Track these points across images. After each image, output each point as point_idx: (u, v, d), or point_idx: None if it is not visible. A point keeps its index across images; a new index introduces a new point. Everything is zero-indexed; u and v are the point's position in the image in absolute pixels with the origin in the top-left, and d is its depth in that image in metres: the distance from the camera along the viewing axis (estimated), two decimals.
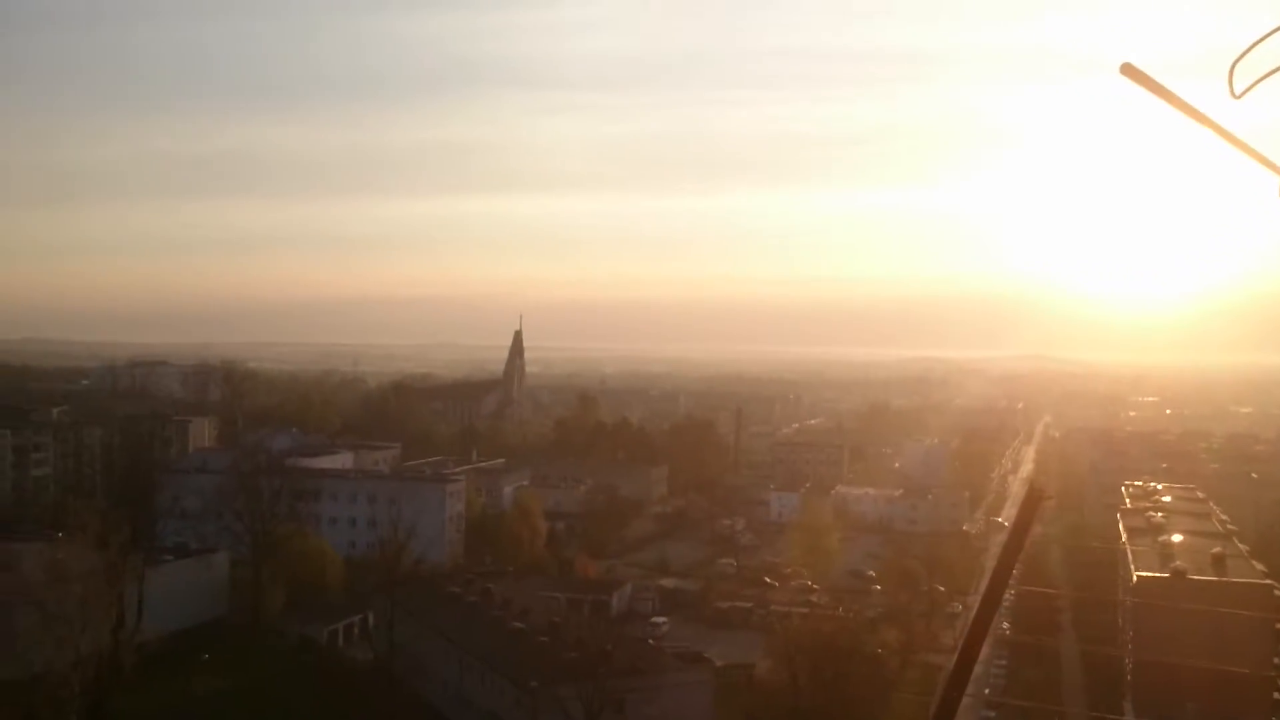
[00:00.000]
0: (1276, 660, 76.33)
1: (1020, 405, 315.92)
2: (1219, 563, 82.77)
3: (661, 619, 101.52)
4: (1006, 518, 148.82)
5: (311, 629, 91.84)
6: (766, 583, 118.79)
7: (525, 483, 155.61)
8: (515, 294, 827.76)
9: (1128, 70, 2.70)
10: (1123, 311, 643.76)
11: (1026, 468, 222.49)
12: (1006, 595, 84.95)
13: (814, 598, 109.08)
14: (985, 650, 77.24)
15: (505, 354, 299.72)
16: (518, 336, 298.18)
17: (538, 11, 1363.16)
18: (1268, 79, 2.83)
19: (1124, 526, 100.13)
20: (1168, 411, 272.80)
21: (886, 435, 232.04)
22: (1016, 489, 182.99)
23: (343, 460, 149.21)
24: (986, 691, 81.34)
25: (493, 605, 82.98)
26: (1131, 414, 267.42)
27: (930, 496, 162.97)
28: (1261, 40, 2.82)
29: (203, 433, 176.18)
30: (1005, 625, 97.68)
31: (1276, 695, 74.46)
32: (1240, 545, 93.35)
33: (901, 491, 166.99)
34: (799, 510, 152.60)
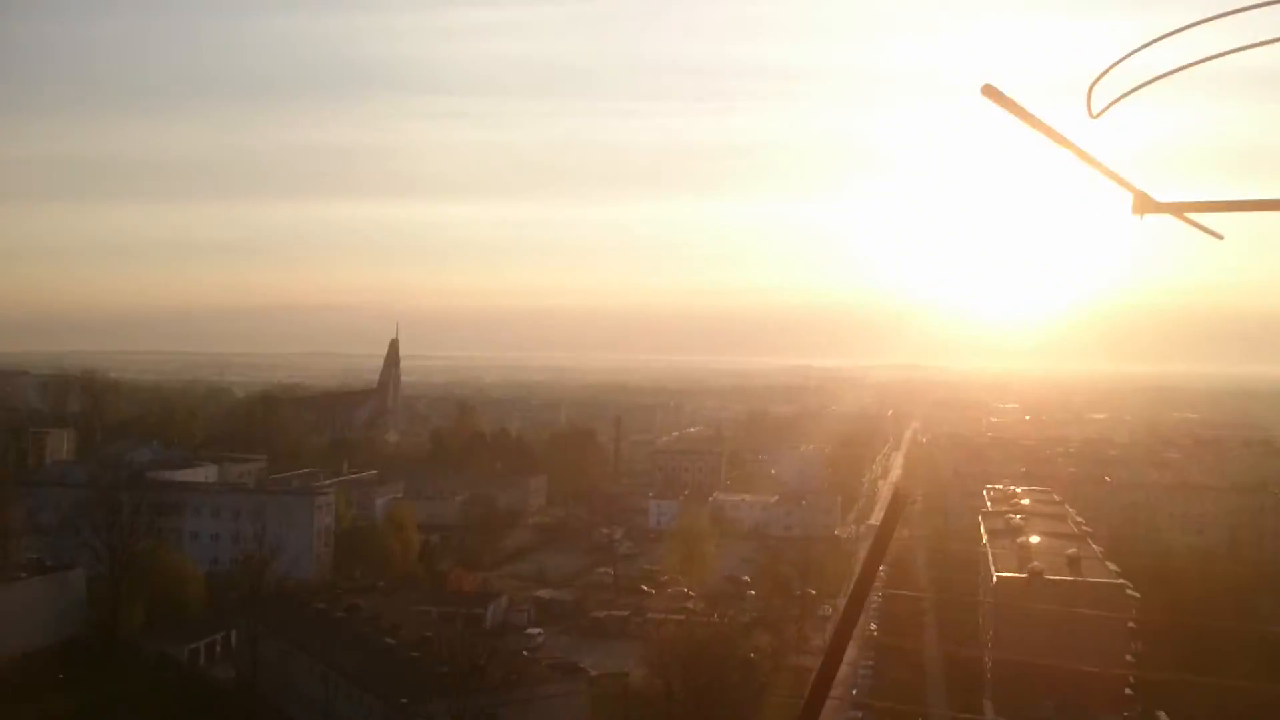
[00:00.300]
0: (1128, 658, 79.64)
1: (891, 412, 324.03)
2: (1074, 563, 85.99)
3: (537, 630, 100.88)
4: (877, 521, 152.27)
5: (171, 647, 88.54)
6: (644, 591, 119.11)
7: (399, 495, 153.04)
8: (396, 302, 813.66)
9: (988, 91, 2.72)
10: (989, 322, 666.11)
11: (896, 472, 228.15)
12: (874, 598, 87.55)
13: (690, 604, 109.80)
14: (853, 652, 79.54)
15: (382, 363, 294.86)
16: (394, 345, 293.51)
17: (424, 14, 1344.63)
18: (1123, 100, 2.93)
19: (985, 528, 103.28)
20: (1027, 418, 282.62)
21: (764, 442, 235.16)
22: (886, 493, 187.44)
23: (206, 473, 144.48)
24: (854, 692, 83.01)
25: (362, 621, 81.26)
26: (994, 420, 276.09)
27: (805, 502, 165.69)
28: (1118, 63, 2.85)
29: (61, 445, 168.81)
30: (873, 627, 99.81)
31: (1128, 691, 77.66)
32: (1094, 546, 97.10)
33: (777, 498, 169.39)
34: (677, 518, 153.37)
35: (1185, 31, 2.90)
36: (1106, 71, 3.00)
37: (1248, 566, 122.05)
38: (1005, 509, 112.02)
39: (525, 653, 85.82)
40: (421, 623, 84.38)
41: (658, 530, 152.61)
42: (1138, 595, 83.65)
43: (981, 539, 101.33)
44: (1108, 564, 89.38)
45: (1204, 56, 2.99)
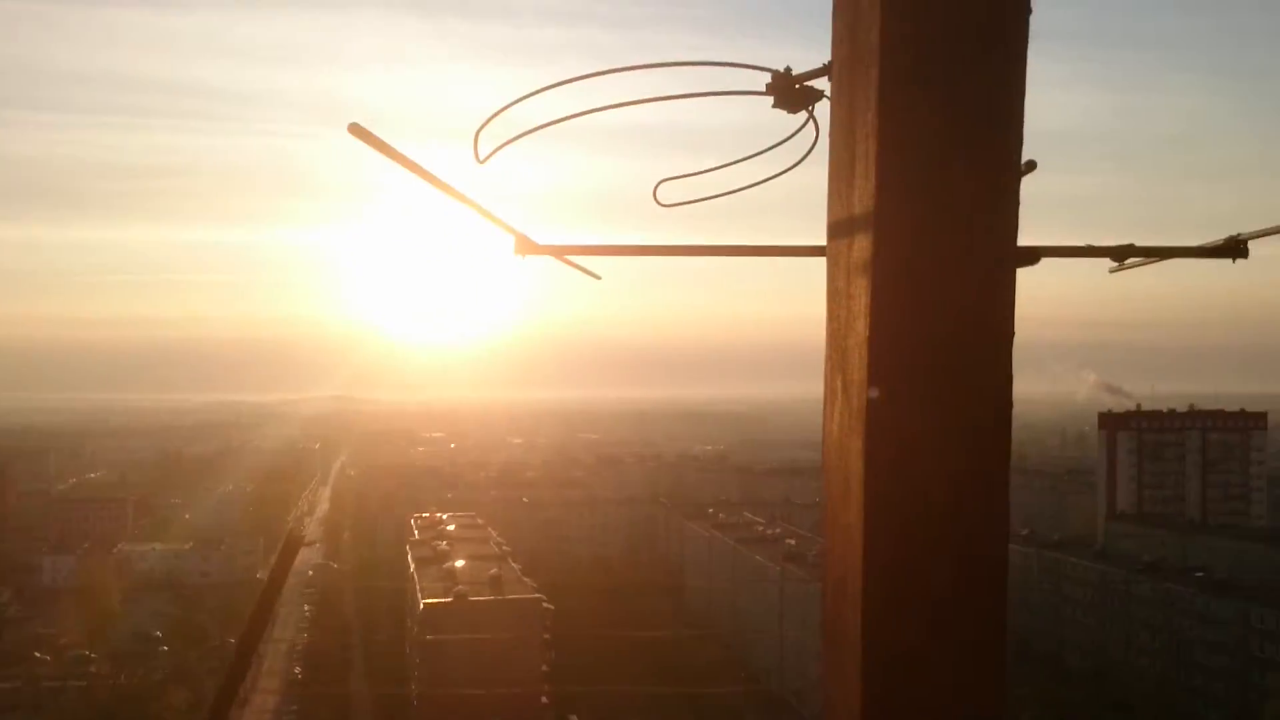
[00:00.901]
0: (544, 668, 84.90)
1: (319, 446, 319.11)
2: (495, 583, 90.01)
3: None
4: (300, 559, 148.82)
5: None
6: (37, 658, 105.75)
7: None
8: None
9: (355, 130, 2.43)
10: (415, 353, 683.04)
11: (323, 508, 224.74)
12: (299, 639, 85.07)
13: (93, 668, 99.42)
14: (275, 700, 76.29)
15: None
16: None
17: None
18: (510, 147, 2.88)
19: (412, 557, 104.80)
20: (452, 445, 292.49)
21: (179, 485, 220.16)
22: (313, 529, 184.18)
23: None
24: None
25: None
26: (421, 449, 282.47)
27: (223, 546, 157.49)
28: (501, 111, 2.83)
29: None
30: (297, 670, 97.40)
31: (544, 700, 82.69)
32: (513, 565, 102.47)
33: (192, 544, 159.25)
34: (77, 573, 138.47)
35: (567, 85, 2.96)
36: (491, 118, 2.98)
37: (642, 570, 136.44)
38: (431, 536, 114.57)
39: None
40: None
41: (53, 589, 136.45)
42: (552, 607, 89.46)
43: (409, 568, 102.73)
44: (525, 580, 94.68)
45: (582, 110, 3.07)
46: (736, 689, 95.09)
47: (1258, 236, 2.93)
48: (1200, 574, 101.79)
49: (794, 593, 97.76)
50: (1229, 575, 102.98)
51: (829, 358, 2.43)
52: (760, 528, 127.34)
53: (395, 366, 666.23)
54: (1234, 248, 2.90)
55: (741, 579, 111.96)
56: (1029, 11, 2.18)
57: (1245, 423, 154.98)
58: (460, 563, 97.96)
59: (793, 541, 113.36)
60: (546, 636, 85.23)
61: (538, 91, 2.94)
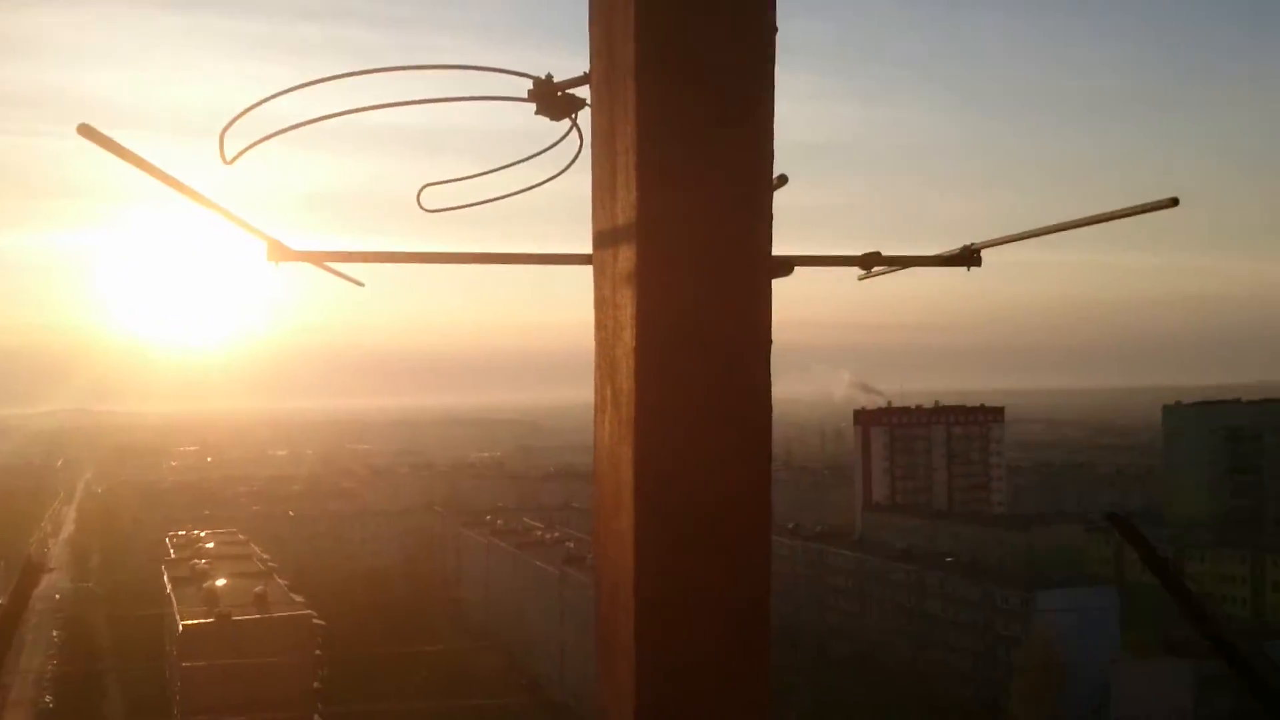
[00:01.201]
0: (316, 685, 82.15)
1: (60, 462, 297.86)
2: (261, 601, 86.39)
3: None
4: (45, 583, 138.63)
5: None
6: None
7: None
8: None
9: (85, 131, 2.42)
10: (163, 362, 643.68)
11: (69, 529, 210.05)
12: (48, 668, 79.37)
13: None
14: None
15: None
16: None
17: None
18: (256, 147, 2.80)
19: (169, 578, 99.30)
20: (209, 459, 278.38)
21: None
22: (58, 551, 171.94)
23: None
24: None
25: None
26: (174, 464, 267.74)
27: None
28: (249, 110, 2.71)
29: None
30: (48, 699, 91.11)
31: (316, 718, 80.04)
32: (280, 581, 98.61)
33: None
34: None
35: (324, 84, 2.86)
36: (238, 117, 2.85)
37: (419, 582, 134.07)
38: (189, 555, 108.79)
39: None
40: None
41: None
42: (323, 623, 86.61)
43: (166, 589, 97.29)
44: (294, 596, 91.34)
45: (340, 110, 2.98)
46: (517, 698, 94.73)
47: (989, 246, 3.15)
48: (949, 559, 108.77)
49: (574, 596, 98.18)
50: (974, 559, 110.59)
51: (598, 366, 2.44)
52: (539, 532, 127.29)
53: (142, 377, 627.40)
54: (968, 256, 3.10)
55: (521, 585, 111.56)
56: (774, 30, 2.25)
57: (985, 417, 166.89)
58: (221, 581, 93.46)
59: (572, 545, 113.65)
60: (318, 654, 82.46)
61: (291, 89, 2.80)
